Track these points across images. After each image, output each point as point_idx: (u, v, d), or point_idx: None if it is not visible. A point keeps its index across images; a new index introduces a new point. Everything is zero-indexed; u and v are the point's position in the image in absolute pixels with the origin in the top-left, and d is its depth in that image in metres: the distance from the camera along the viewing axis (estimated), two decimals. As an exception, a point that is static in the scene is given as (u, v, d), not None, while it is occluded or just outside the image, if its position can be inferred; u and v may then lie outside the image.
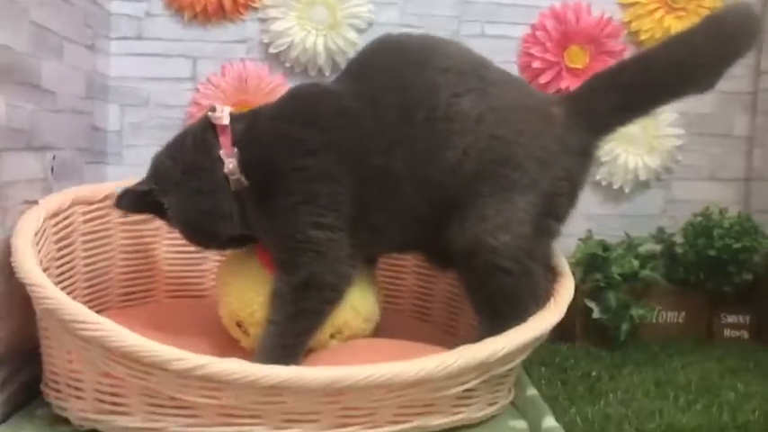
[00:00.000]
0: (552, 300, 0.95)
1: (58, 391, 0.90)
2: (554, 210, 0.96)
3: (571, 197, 0.98)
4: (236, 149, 0.94)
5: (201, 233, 1.00)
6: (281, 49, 1.34)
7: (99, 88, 1.31)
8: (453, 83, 0.94)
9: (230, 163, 0.93)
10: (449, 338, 1.11)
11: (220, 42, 1.36)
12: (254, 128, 0.96)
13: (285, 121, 0.95)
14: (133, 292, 1.20)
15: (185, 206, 0.97)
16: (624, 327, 1.28)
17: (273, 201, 0.93)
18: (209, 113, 0.97)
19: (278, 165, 0.93)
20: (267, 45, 1.35)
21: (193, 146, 0.97)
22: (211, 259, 1.25)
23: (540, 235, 0.94)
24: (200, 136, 0.97)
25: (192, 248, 1.21)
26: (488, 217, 0.92)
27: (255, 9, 1.35)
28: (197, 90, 1.35)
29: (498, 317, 0.93)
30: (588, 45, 1.36)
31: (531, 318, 0.92)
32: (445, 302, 1.22)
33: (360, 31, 1.35)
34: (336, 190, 0.93)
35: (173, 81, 1.36)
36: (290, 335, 0.93)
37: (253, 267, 1.01)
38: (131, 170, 1.34)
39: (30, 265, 0.85)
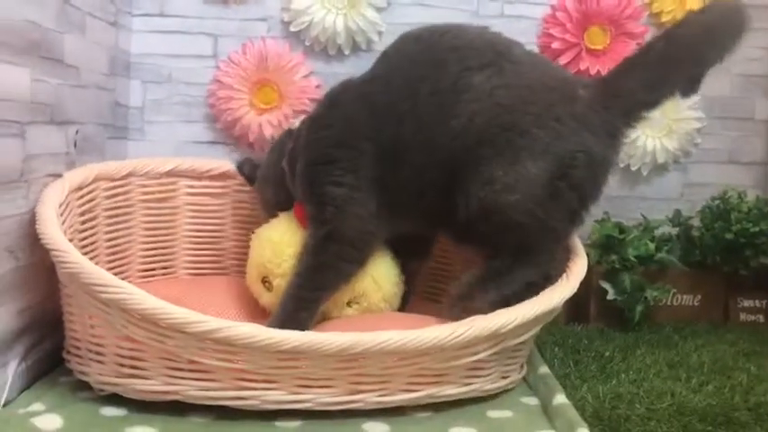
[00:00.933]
0: (565, 276, 0.96)
1: (79, 356, 0.92)
2: (568, 178, 0.97)
3: (592, 172, 0.99)
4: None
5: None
6: (302, 27, 1.35)
7: (121, 64, 1.33)
8: (464, 58, 0.99)
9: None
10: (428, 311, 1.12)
11: (242, 20, 1.37)
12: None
13: (314, 108, 1.14)
14: (153, 269, 1.23)
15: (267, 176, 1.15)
16: (638, 308, 1.28)
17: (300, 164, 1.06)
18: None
19: (305, 136, 1.07)
20: (288, 23, 1.36)
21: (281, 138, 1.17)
22: (229, 238, 1.28)
23: (552, 199, 0.97)
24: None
25: (212, 227, 1.27)
26: (496, 178, 0.96)
27: (276, -13, 1.36)
28: (218, 68, 1.36)
29: (516, 260, 0.98)
30: (609, 26, 1.36)
31: (543, 292, 0.93)
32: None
33: (379, 9, 1.36)
34: (353, 155, 1.02)
35: (194, 58, 1.38)
36: (308, 287, 0.99)
37: (289, 222, 1.06)
38: (152, 146, 1.38)
39: (54, 231, 0.87)
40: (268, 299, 1.05)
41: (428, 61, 1.01)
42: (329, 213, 1.00)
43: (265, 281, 1.06)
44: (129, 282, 1.16)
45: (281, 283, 1.02)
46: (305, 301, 0.99)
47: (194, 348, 0.82)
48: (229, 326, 0.80)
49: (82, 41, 1.13)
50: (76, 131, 1.12)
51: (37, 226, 0.90)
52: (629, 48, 1.35)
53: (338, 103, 1.07)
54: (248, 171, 1.21)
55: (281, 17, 1.37)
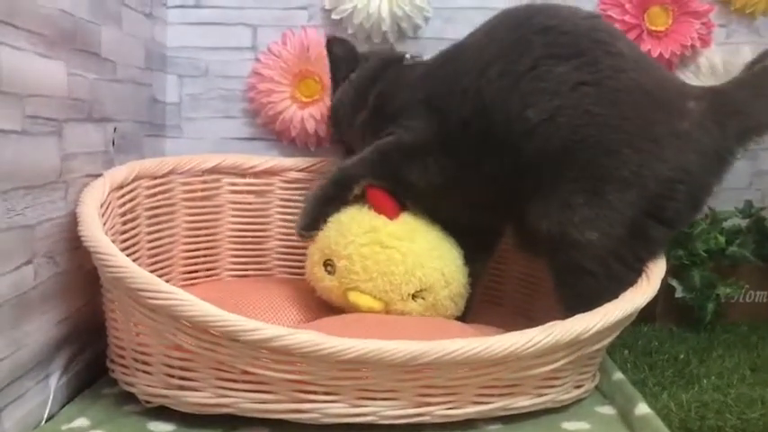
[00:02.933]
0: (644, 276, 0.88)
1: (124, 366, 0.87)
2: (660, 213, 0.85)
3: (691, 204, 0.88)
4: None
5: None
6: (344, 14, 1.28)
7: (157, 58, 1.27)
8: (552, 43, 0.87)
9: None
10: (523, 322, 1.05)
11: (281, 9, 1.31)
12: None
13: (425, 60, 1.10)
14: (196, 270, 1.18)
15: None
16: (710, 306, 1.20)
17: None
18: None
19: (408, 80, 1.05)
20: (329, 11, 1.29)
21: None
22: (274, 238, 1.22)
23: (636, 239, 0.85)
24: None
25: (256, 227, 1.20)
26: (575, 206, 0.84)
27: (318, -26, 1.30)
28: (258, 60, 1.30)
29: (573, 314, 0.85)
30: (671, 5, 1.26)
31: (623, 294, 0.85)
32: (518, 284, 1.16)
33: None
34: (421, 125, 0.97)
35: (232, 51, 1.31)
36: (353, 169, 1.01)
37: (360, 206, 1.01)
38: (190, 144, 1.32)
39: (97, 233, 0.82)
40: (329, 282, 0.98)
41: (510, 40, 0.91)
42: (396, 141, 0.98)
43: (328, 263, 0.99)
44: (172, 284, 1.14)
45: (345, 265, 0.95)
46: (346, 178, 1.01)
47: (249, 358, 0.76)
48: (287, 334, 0.73)
49: (118, 34, 1.07)
50: (114, 129, 1.07)
51: (79, 228, 0.84)
52: (693, 28, 1.26)
53: (406, 80, 1.04)
54: (341, 52, 1.15)
55: (321, 5, 1.30)
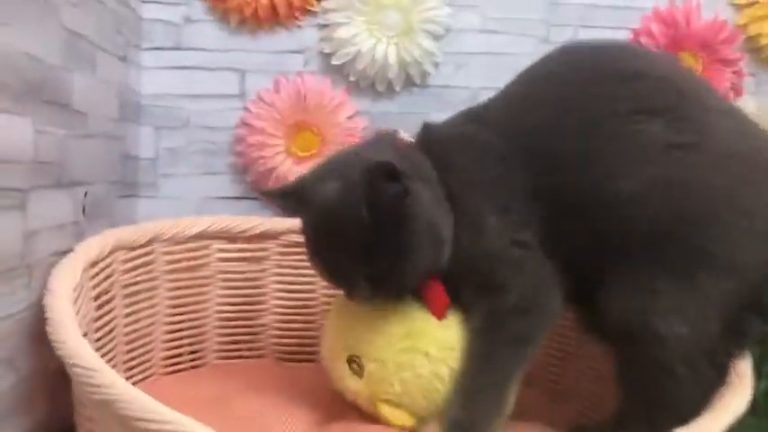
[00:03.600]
0: (732, 371, 0.74)
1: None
2: (761, 305, 0.71)
3: None
4: None
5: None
6: (346, 60, 1.14)
7: (131, 107, 1.10)
8: (643, 95, 0.72)
9: None
10: (547, 402, 0.93)
11: (273, 53, 1.15)
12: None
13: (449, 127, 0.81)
14: (179, 354, 0.99)
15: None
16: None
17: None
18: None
19: (464, 170, 0.76)
20: (328, 56, 1.15)
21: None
22: (270, 311, 1.04)
23: (732, 335, 0.71)
24: None
25: (248, 299, 1.02)
26: (660, 293, 0.69)
27: (314, 14, 1.15)
28: (247, 109, 1.14)
29: (645, 421, 0.71)
30: (701, 52, 1.17)
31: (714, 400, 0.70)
32: (543, 358, 1.01)
33: (437, 37, 1.16)
34: (528, 205, 0.74)
35: (217, 98, 1.15)
36: (500, 371, 0.72)
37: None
38: (168, 204, 1.15)
39: (75, 340, 0.63)
40: (354, 385, 0.79)
41: (590, 90, 0.74)
42: (512, 277, 0.73)
43: (353, 361, 0.79)
44: (153, 373, 0.95)
45: (377, 371, 0.76)
46: (499, 386, 0.72)
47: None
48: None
49: (91, 81, 0.90)
50: (85, 194, 0.89)
51: (49, 331, 0.66)
52: (725, 76, 1.17)
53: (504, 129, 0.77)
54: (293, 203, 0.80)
55: (319, 48, 1.16)
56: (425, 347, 0.75)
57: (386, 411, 0.76)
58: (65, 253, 0.80)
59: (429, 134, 0.81)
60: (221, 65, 1.15)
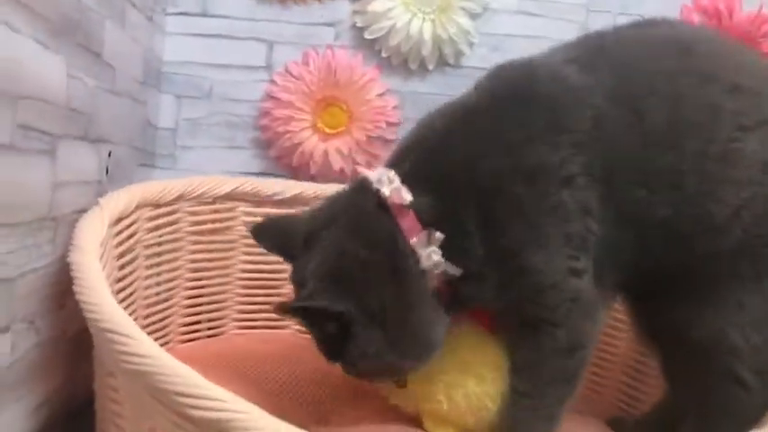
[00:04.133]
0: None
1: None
2: None
3: None
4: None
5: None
6: (379, 34, 1.09)
7: (153, 73, 1.05)
8: (741, 108, 0.65)
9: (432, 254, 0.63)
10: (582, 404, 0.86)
11: (303, 24, 1.11)
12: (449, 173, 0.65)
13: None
14: (198, 322, 0.94)
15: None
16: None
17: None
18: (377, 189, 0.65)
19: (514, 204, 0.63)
20: (361, 29, 1.10)
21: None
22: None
23: None
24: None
25: (271, 266, 0.95)
26: (746, 306, 0.66)
27: (348, -15, 1.11)
28: (273, 81, 1.09)
29: (710, 427, 0.70)
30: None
31: None
32: None
33: (473, 16, 1.12)
34: (589, 225, 0.64)
35: (242, 69, 1.10)
36: (548, 408, 0.67)
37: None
38: (184, 177, 1.09)
39: (109, 303, 0.57)
40: (395, 397, 0.74)
41: (703, 103, 0.65)
42: (564, 312, 0.65)
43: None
44: (170, 340, 0.89)
45: (423, 386, 0.70)
46: (552, 418, 0.68)
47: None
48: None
49: (120, 35, 0.85)
50: (109, 153, 0.84)
51: (78, 291, 0.59)
52: None
53: (567, 126, 0.65)
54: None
55: (352, 21, 1.11)
56: (475, 368, 0.70)
57: (430, 426, 0.71)
58: (86, 212, 0.74)
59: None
60: (248, 35, 1.10)
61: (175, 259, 0.89)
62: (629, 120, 0.64)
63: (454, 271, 0.64)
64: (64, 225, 0.69)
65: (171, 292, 0.89)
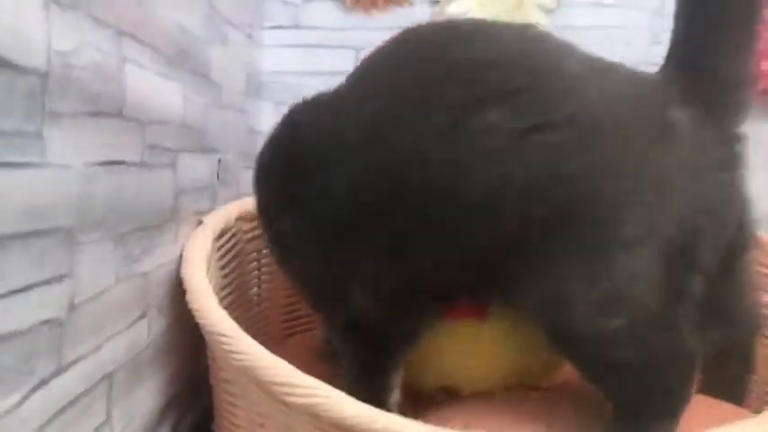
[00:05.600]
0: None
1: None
2: (693, 259, 0.61)
3: (719, 227, 0.63)
4: None
5: None
6: (458, 35, 1.16)
7: (254, 84, 1.16)
8: (472, 80, 0.63)
9: None
10: None
11: (387, 29, 1.16)
12: None
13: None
14: (295, 318, 1.05)
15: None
16: None
17: None
18: None
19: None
20: (442, 31, 1.18)
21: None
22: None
23: (676, 299, 0.61)
24: None
25: None
26: (576, 293, 0.59)
27: (427, -10, 1.19)
28: (361, 84, 1.19)
29: (638, 415, 0.63)
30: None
31: None
32: None
33: (548, 11, 1.17)
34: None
35: (333, 75, 1.19)
36: None
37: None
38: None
39: (214, 309, 0.67)
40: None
41: (416, 92, 0.64)
42: None
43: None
44: (271, 337, 0.99)
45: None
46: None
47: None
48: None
49: (225, 55, 0.96)
50: (219, 161, 0.95)
51: (189, 299, 0.69)
52: None
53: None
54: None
55: (432, 25, 1.19)
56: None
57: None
58: (202, 213, 0.86)
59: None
60: (337, 43, 1.19)
61: (273, 263, 0.99)
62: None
63: None
64: (184, 225, 0.81)
65: (271, 293, 0.99)
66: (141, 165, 0.67)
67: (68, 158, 0.53)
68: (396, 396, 0.73)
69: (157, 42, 0.70)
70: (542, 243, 0.60)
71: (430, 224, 0.63)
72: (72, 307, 0.55)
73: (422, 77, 0.65)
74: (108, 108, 0.60)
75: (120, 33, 0.61)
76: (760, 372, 0.89)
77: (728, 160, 0.63)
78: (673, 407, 0.62)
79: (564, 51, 0.65)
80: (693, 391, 0.63)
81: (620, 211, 0.59)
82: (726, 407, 0.75)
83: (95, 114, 0.57)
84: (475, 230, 0.62)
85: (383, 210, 0.64)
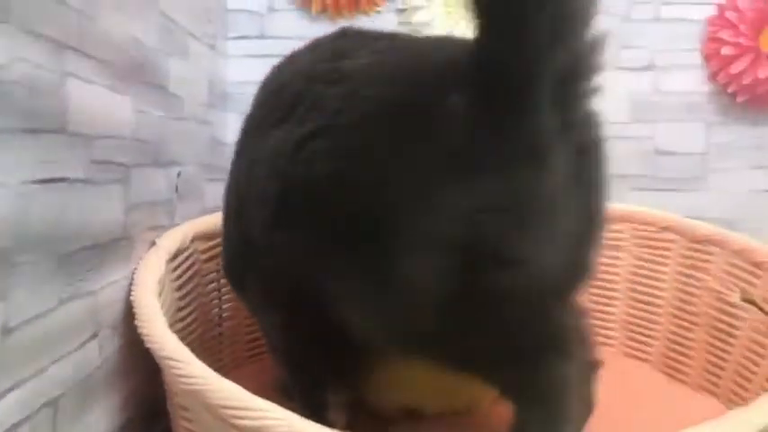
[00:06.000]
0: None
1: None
2: (485, 257, 0.52)
3: (518, 222, 0.53)
4: None
5: None
6: (424, 43, 1.15)
7: (218, 94, 1.14)
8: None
9: None
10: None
11: (354, 39, 1.18)
12: None
13: None
14: (261, 337, 1.02)
15: None
16: None
17: None
18: None
19: None
20: (408, 40, 1.17)
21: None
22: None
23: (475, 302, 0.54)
24: None
25: None
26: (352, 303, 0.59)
27: (393, -2, 1.17)
28: (327, 94, 1.17)
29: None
30: (792, 27, 1.13)
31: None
32: (666, 333, 0.99)
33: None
34: None
35: (299, 85, 1.19)
36: None
37: None
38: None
39: (163, 333, 0.65)
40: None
41: (258, 111, 0.77)
42: None
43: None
44: (223, 365, 0.95)
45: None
46: None
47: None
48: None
49: (185, 66, 0.94)
50: (178, 174, 0.93)
51: (139, 324, 0.67)
52: (818, 51, 1.13)
53: None
54: None
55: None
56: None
57: None
58: (161, 228, 0.84)
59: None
60: (303, 52, 1.18)
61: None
62: None
63: None
64: (139, 243, 0.79)
65: (234, 313, 0.97)
66: (86, 181, 0.65)
67: (2, 177, 0.51)
68: (337, 415, 0.71)
69: (106, 55, 0.68)
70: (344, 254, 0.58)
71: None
72: (6, 331, 0.53)
73: (262, 97, 0.76)
74: (48, 124, 0.58)
75: (62, 47, 0.59)
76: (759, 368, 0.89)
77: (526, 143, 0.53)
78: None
79: (355, 47, 0.64)
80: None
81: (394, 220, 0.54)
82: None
83: (33, 131, 0.55)
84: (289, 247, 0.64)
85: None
